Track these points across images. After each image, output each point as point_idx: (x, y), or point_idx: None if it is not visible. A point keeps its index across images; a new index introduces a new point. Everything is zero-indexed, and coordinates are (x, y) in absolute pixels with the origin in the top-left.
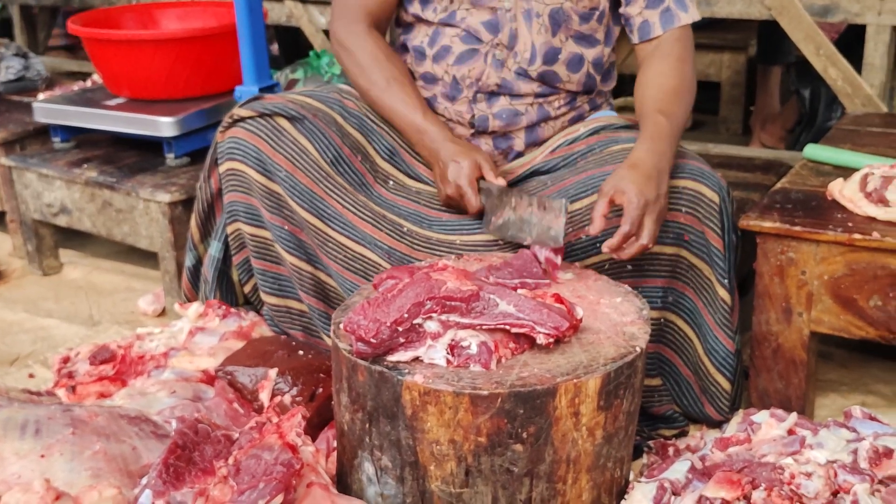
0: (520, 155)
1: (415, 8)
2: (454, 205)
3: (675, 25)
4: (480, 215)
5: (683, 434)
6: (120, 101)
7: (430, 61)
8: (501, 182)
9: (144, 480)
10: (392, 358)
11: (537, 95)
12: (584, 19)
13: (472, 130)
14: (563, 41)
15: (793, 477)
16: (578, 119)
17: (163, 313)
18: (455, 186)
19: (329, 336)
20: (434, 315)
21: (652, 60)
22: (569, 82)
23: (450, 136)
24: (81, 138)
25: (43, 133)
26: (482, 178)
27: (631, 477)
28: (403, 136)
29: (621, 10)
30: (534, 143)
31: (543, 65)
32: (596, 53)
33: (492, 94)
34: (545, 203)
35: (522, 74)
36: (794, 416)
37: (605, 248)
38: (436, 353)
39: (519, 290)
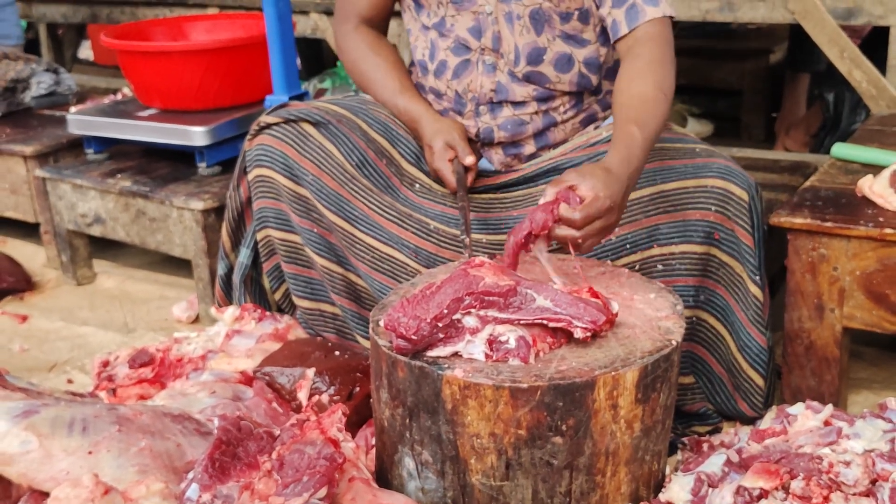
0: (534, 156)
1: (412, 12)
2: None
3: (641, 21)
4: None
5: (717, 431)
6: (152, 111)
7: (432, 77)
8: (471, 160)
9: (191, 475)
10: (432, 353)
11: (538, 101)
12: (565, 19)
13: (480, 142)
14: (549, 41)
15: (831, 466)
16: (591, 120)
17: (196, 320)
18: (434, 170)
19: (363, 336)
20: (472, 311)
21: (625, 63)
22: (559, 82)
23: (427, 117)
24: (114, 150)
25: (76, 146)
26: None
27: (667, 472)
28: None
29: (598, 11)
30: (545, 147)
31: (528, 65)
32: (588, 53)
33: (494, 105)
34: None
35: (513, 76)
36: (829, 407)
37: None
38: (475, 347)
39: (554, 285)
